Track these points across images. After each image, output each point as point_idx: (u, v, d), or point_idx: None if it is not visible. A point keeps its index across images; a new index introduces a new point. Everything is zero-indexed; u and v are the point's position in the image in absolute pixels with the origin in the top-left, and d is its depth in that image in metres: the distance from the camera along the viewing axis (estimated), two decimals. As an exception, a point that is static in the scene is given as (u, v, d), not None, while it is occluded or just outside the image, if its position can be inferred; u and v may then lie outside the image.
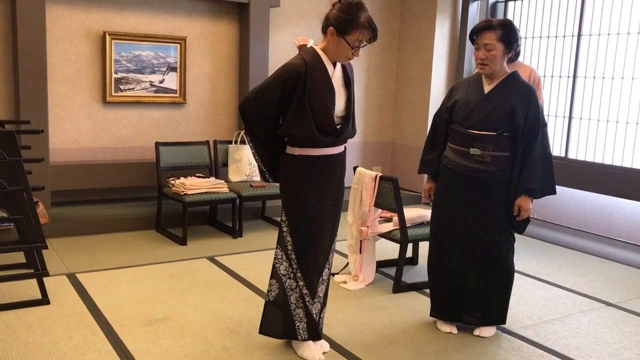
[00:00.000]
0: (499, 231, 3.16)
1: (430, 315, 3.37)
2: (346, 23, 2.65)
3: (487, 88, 3.15)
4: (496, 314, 3.26)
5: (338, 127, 2.79)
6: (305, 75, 2.67)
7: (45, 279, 3.50)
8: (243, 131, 4.56)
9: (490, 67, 3.08)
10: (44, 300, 3.39)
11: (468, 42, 6.19)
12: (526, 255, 4.74)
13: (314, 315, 2.87)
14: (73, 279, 3.82)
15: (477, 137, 3.10)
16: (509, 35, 3.06)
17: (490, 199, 3.13)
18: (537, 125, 3.08)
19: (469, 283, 3.22)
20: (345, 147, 2.91)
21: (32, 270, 3.53)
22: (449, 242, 3.24)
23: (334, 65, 2.78)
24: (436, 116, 3.37)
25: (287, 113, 2.72)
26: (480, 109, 3.11)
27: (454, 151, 3.20)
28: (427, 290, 3.60)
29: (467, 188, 3.15)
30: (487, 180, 3.12)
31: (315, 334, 2.89)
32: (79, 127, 5.12)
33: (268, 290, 2.90)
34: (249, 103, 2.75)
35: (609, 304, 3.82)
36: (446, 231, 3.25)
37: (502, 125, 3.08)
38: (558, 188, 3.26)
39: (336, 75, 2.78)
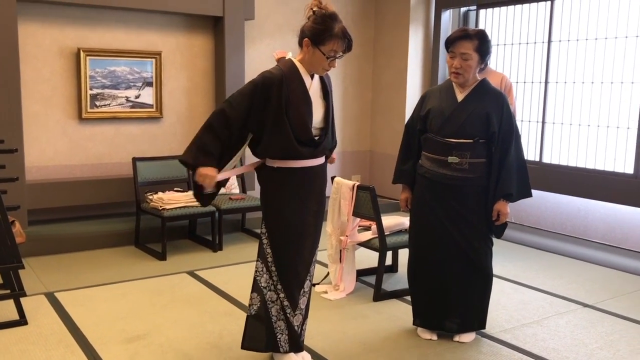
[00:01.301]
0: (477, 237, 3.19)
1: (413, 324, 3.38)
2: (320, 33, 2.67)
3: (460, 96, 3.18)
4: (476, 319, 3.29)
5: (316, 138, 2.81)
6: (281, 86, 2.69)
7: (23, 299, 3.46)
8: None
9: (464, 76, 3.12)
10: (22, 321, 3.35)
11: (442, 50, 6.27)
12: (504, 259, 4.79)
13: (296, 327, 2.87)
14: (51, 298, 3.79)
15: (454, 146, 3.14)
16: (484, 46, 3.10)
17: (468, 205, 3.16)
18: (510, 130, 3.13)
19: (449, 290, 3.24)
20: (325, 159, 2.93)
21: (8, 291, 3.49)
22: (428, 250, 3.26)
23: (312, 77, 2.80)
24: (408, 126, 3.38)
25: (265, 127, 2.70)
26: (456, 117, 3.14)
27: (431, 160, 3.22)
28: (408, 298, 3.63)
29: (445, 196, 3.18)
30: (465, 187, 3.15)
31: (296, 345, 2.89)
32: (55, 144, 5.09)
33: (249, 304, 2.89)
34: (220, 108, 2.70)
35: (585, 305, 3.88)
36: (425, 239, 3.28)
37: (478, 132, 3.12)
38: (534, 192, 3.31)
39: (313, 86, 2.80)
